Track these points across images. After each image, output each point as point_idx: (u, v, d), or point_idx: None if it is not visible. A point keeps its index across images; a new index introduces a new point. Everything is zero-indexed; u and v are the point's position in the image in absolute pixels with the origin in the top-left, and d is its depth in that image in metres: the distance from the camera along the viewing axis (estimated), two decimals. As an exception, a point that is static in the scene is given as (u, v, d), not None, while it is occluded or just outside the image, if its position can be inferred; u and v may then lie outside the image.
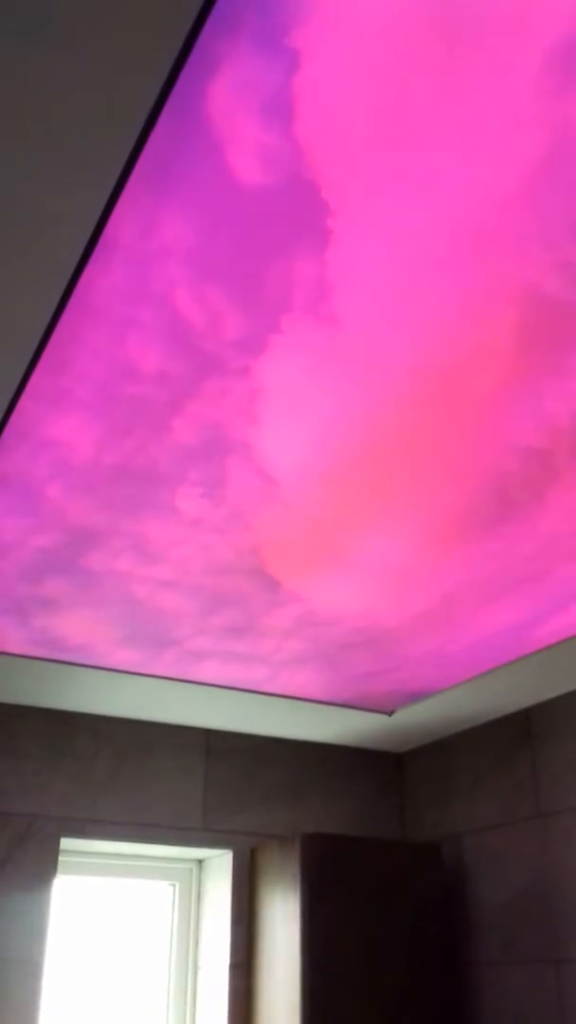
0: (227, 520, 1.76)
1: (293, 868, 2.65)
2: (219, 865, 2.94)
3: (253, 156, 1.03)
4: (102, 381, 1.37)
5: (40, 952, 2.56)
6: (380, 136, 1.01)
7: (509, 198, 1.08)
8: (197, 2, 0.87)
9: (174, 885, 3.01)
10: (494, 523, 1.76)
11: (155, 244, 1.14)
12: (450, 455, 1.55)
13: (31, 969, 2.53)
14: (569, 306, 1.23)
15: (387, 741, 3.16)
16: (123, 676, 2.54)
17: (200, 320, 1.26)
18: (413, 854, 2.79)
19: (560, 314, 1.24)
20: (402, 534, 1.81)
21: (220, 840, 2.90)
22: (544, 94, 0.96)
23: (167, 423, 1.47)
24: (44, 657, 2.40)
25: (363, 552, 1.88)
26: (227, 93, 0.96)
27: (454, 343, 1.30)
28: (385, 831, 3.16)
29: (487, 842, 2.81)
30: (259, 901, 2.80)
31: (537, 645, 2.32)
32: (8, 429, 1.48)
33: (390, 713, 2.85)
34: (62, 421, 1.46)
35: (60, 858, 2.73)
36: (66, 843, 2.76)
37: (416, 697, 2.71)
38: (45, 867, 2.64)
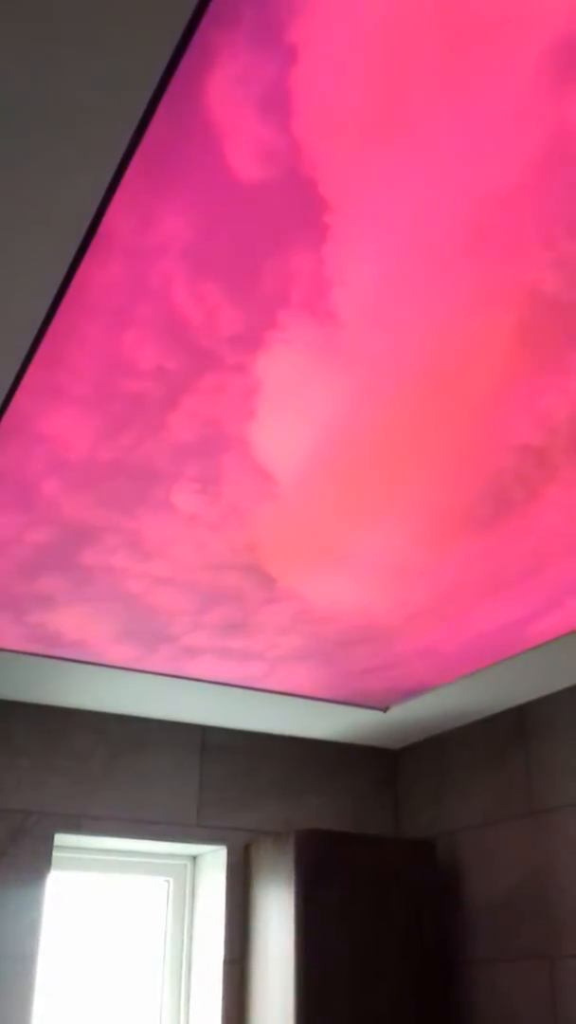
0: (223, 516, 1.75)
1: (288, 864, 2.65)
2: (214, 861, 2.94)
3: (250, 151, 1.02)
4: (98, 377, 1.37)
5: (34, 948, 2.55)
6: (378, 132, 1.00)
7: (509, 196, 1.07)
8: (195, -4, 0.86)
9: (168, 881, 3.01)
10: (491, 521, 1.76)
11: (152, 239, 1.13)
12: (447, 452, 1.55)
13: (25, 965, 2.53)
14: (568, 305, 1.23)
15: (382, 738, 3.17)
16: (119, 672, 2.54)
17: (197, 315, 1.25)
18: (407, 850, 2.79)
19: (559, 312, 1.24)
20: (398, 531, 1.81)
21: (215, 836, 2.90)
22: (544, 91, 0.96)
23: (163, 419, 1.46)
24: (39, 653, 2.40)
25: (359, 549, 1.88)
26: (224, 87, 0.96)
27: (452, 340, 1.30)
28: (380, 827, 3.16)
29: (481, 838, 2.82)
30: (254, 897, 2.80)
31: (531, 642, 2.32)
32: (3, 425, 1.47)
33: (385, 709, 2.85)
34: (57, 417, 1.46)
35: (55, 854, 2.73)
36: (61, 839, 2.75)
37: (411, 694, 2.71)
38: (39, 863, 2.64)
